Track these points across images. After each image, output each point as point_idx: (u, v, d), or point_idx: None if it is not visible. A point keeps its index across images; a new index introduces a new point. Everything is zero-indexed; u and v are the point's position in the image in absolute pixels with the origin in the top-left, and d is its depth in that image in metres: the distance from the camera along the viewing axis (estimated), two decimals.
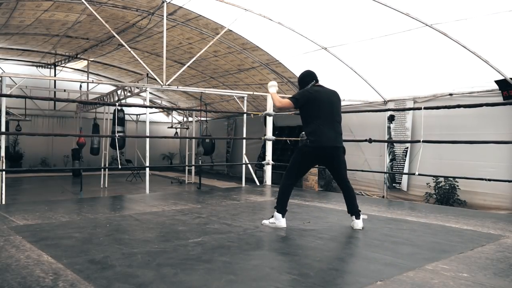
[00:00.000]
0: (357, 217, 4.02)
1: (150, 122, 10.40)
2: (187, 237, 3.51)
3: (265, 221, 4.12)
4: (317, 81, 4.24)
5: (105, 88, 14.29)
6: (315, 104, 4.01)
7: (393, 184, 9.49)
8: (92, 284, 2.32)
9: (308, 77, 4.25)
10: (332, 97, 4.17)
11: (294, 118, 12.45)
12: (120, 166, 6.91)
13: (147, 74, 8.83)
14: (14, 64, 14.74)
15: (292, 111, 12.33)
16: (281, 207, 4.05)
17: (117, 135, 7.82)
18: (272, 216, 4.08)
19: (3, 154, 6.05)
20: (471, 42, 6.96)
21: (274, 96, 4.18)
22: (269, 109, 8.31)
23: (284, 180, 4.17)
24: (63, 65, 14.59)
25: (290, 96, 4.12)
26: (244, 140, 9.16)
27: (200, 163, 13.57)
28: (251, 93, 9.74)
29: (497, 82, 7.27)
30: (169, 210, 4.90)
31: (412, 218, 4.67)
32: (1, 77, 6.48)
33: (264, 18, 8.50)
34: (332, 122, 4.02)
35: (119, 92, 10.46)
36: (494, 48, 6.94)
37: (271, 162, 8.30)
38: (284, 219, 4.04)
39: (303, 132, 11.05)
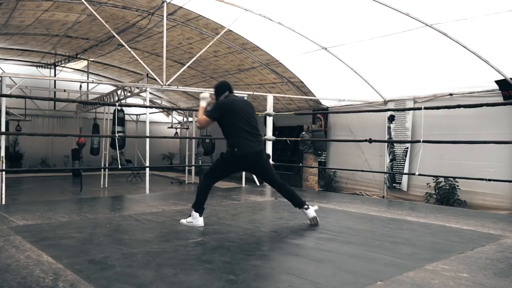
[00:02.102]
0: (307, 208, 4.09)
1: (150, 122, 10.40)
2: (187, 237, 3.51)
3: (183, 220, 4.10)
4: (230, 91, 4.25)
5: (105, 88, 14.29)
6: (232, 114, 4.03)
7: (393, 184, 9.49)
8: (92, 284, 2.32)
9: (222, 87, 4.26)
10: (247, 107, 4.20)
11: (294, 118, 12.46)
12: (120, 166, 6.91)
13: (147, 74, 8.83)
14: (14, 64, 14.74)
15: (292, 111, 12.34)
16: (199, 206, 4.05)
17: (117, 135, 7.83)
18: (190, 216, 4.06)
19: (3, 154, 6.04)
20: (471, 42, 6.96)
21: (200, 111, 4.21)
22: (269, 109, 8.30)
23: (204, 180, 4.21)
24: (63, 65, 14.59)
25: (206, 113, 4.14)
26: None
27: (200, 163, 13.57)
28: (251, 93, 9.73)
29: (497, 82, 7.27)
30: (169, 210, 4.90)
31: (412, 218, 4.67)
32: (1, 77, 6.47)
33: (264, 18, 8.50)
34: (251, 129, 4.04)
35: (119, 92, 10.46)
36: (494, 48, 6.93)
37: (271, 162, 8.28)
38: (202, 218, 4.04)
39: (303, 133, 11.00)
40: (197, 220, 4.02)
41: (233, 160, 4.04)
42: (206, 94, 4.35)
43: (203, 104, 4.27)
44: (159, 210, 4.93)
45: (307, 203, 4.15)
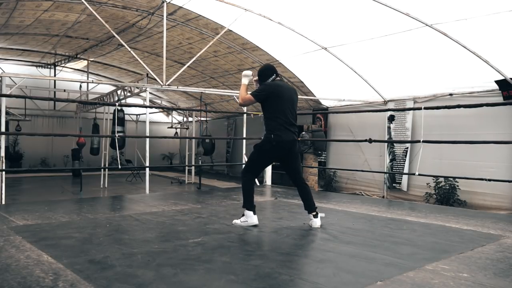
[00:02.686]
0: (315, 216, 4.06)
1: (150, 122, 10.40)
2: (187, 237, 3.51)
3: (236, 221, 4.09)
4: (277, 75, 4.19)
5: (105, 88, 14.28)
6: (277, 98, 4.00)
7: (393, 184, 9.49)
8: (92, 284, 2.32)
9: (269, 70, 4.19)
10: (292, 94, 4.16)
11: None
12: (120, 166, 6.90)
13: (147, 74, 8.82)
14: (14, 64, 14.74)
15: None
16: (250, 204, 4.05)
17: (117, 135, 7.82)
18: (243, 215, 4.07)
19: (3, 154, 6.04)
20: (471, 42, 6.96)
21: (242, 89, 4.16)
22: None
23: (243, 177, 4.17)
24: (63, 65, 14.59)
25: (253, 92, 4.09)
26: (244, 140, 9.15)
27: (200, 163, 13.57)
28: None
29: (497, 82, 7.27)
30: (169, 210, 4.90)
31: (412, 218, 4.67)
32: (1, 77, 6.47)
33: (264, 18, 8.50)
34: (291, 118, 4.03)
35: (119, 92, 10.46)
36: (494, 48, 6.93)
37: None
38: (256, 215, 4.04)
39: (304, 133, 11.02)
40: (251, 218, 4.02)
41: (268, 147, 4.00)
42: (249, 72, 4.28)
43: (245, 81, 4.21)
44: (159, 210, 4.93)
45: (317, 210, 4.11)
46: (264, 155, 4.09)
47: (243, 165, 4.76)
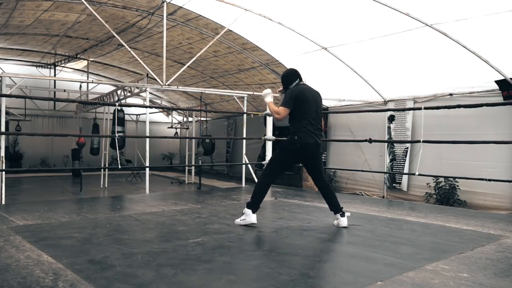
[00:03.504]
0: (342, 215, 4.09)
1: (150, 122, 10.40)
2: (187, 237, 3.51)
3: (237, 220, 4.12)
4: (301, 79, 4.25)
5: (105, 88, 14.28)
6: (304, 103, 4.05)
7: (393, 184, 9.49)
8: (92, 284, 2.32)
9: (293, 75, 4.26)
10: (317, 97, 4.21)
11: None
12: (120, 166, 6.90)
13: (147, 74, 8.83)
14: (14, 64, 14.74)
15: None
16: (255, 204, 4.06)
17: (117, 135, 7.81)
18: (243, 213, 4.08)
19: (3, 154, 6.04)
20: (471, 42, 6.96)
21: (272, 107, 4.19)
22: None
23: (263, 178, 4.19)
24: (63, 65, 14.59)
25: (283, 104, 4.11)
26: (244, 140, 9.15)
27: (200, 163, 13.57)
28: (251, 93, 9.73)
29: (497, 82, 7.27)
30: (169, 210, 4.90)
31: (412, 218, 4.67)
32: (1, 77, 6.47)
33: (264, 18, 8.50)
34: (316, 121, 4.08)
35: (119, 92, 10.46)
36: (494, 48, 6.93)
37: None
38: (255, 215, 4.05)
39: None
40: (250, 217, 4.03)
41: (291, 148, 4.04)
42: (268, 90, 4.42)
43: (269, 99, 4.35)
44: (159, 210, 4.93)
45: (344, 210, 4.13)
46: (288, 156, 4.13)
47: (264, 166, 4.83)
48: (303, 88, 4.17)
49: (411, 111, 9.06)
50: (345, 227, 4.03)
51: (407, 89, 9.02)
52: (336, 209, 4.12)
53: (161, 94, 17.32)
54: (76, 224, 3.99)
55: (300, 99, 4.04)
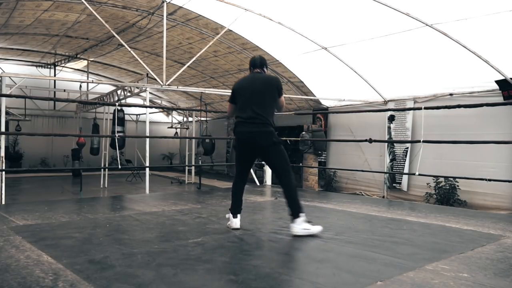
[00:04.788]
0: (295, 219, 3.60)
1: (150, 122, 10.40)
2: (187, 237, 3.50)
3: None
4: (254, 67, 3.91)
5: (105, 88, 14.28)
6: (239, 94, 3.82)
7: (393, 184, 9.49)
8: (92, 284, 2.32)
9: (250, 64, 3.94)
10: (257, 83, 3.79)
11: (294, 118, 12.45)
12: (120, 166, 6.90)
13: (147, 74, 8.83)
14: (14, 64, 14.74)
15: (292, 111, 12.33)
16: (231, 207, 3.90)
17: (117, 135, 7.82)
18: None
19: (3, 154, 6.04)
20: (471, 42, 6.96)
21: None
22: None
23: (233, 179, 4.07)
24: (63, 65, 14.59)
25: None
26: None
27: (200, 163, 13.56)
28: None
29: (497, 82, 7.27)
30: (169, 210, 4.90)
31: (412, 218, 4.67)
32: (1, 77, 6.47)
33: (264, 18, 8.50)
34: (250, 109, 3.67)
35: (119, 92, 10.46)
36: (494, 48, 6.93)
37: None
38: (237, 219, 3.85)
39: (304, 133, 11.01)
40: (231, 221, 3.86)
41: (234, 144, 3.87)
42: None
43: None
44: (159, 210, 4.93)
45: (304, 218, 3.60)
46: (236, 151, 3.91)
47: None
48: (245, 78, 3.95)
49: (411, 111, 9.06)
50: (297, 235, 3.53)
51: (407, 89, 9.02)
52: (292, 213, 3.62)
53: (161, 94, 17.32)
54: (76, 224, 3.99)
55: (236, 91, 3.85)
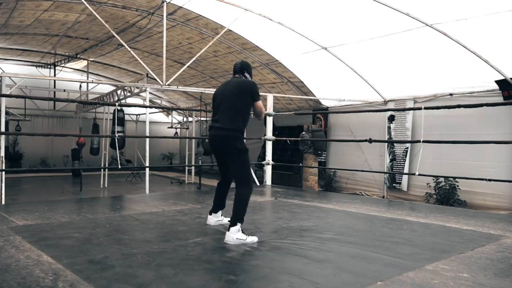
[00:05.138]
0: (231, 226, 3.44)
1: (150, 122, 10.41)
2: (187, 237, 3.50)
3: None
4: (235, 73, 3.92)
5: (105, 88, 14.29)
6: (213, 99, 3.90)
7: (393, 184, 9.49)
8: (92, 284, 2.32)
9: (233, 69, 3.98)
10: (228, 87, 3.81)
11: (294, 118, 12.46)
12: (120, 166, 6.90)
13: (147, 74, 8.83)
14: (14, 64, 14.74)
15: (292, 111, 12.34)
16: (213, 205, 4.10)
17: (117, 135, 7.82)
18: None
19: (3, 154, 6.04)
20: (471, 42, 6.96)
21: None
22: (269, 109, 8.30)
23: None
24: (62, 65, 14.59)
25: None
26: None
27: (200, 163, 13.56)
28: None
29: (497, 82, 7.27)
30: (169, 210, 4.90)
31: (412, 218, 4.66)
32: (1, 77, 6.47)
33: (264, 18, 8.50)
34: (221, 112, 3.72)
35: (119, 92, 10.45)
36: (494, 48, 6.93)
37: (271, 162, 8.29)
38: (210, 216, 4.04)
39: (303, 133, 11.01)
40: (208, 219, 4.04)
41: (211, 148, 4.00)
42: None
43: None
44: (159, 210, 4.93)
45: (240, 228, 3.44)
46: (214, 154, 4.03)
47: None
48: (224, 83, 3.99)
49: (411, 111, 9.06)
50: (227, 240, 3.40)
51: (407, 89, 9.02)
52: (231, 219, 3.48)
53: (161, 94, 17.32)
54: (76, 224, 3.99)
55: (213, 97, 3.92)
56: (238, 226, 3.44)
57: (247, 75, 3.91)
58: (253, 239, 3.45)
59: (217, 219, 4.06)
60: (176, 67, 11.83)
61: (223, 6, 8.26)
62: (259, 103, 3.77)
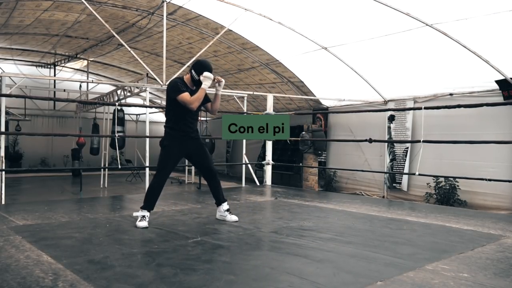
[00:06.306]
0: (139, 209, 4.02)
1: (150, 122, 10.40)
2: (187, 237, 3.50)
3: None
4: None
5: (105, 88, 14.29)
6: None
7: (393, 184, 9.49)
8: (91, 284, 2.32)
9: None
10: None
11: (294, 118, 12.44)
12: (120, 166, 6.90)
13: (147, 74, 8.83)
14: (14, 64, 14.74)
15: (292, 111, 12.33)
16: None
17: (117, 135, 7.82)
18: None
19: (3, 154, 6.04)
20: (472, 42, 6.96)
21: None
22: (269, 109, 8.30)
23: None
24: (62, 65, 14.60)
25: None
26: (244, 140, 9.15)
27: None
28: (251, 93, 9.74)
29: (497, 82, 7.27)
30: (169, 210, 4.90)
31: (412, 218, 4.66)
32: (1, 77, 6.47)
33: (264, 18, 8.50)
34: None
35: (119, 92, 10.46)
36: (494, 48, 6.93)
37: (271, 162, 8.30)
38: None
39: (303, 133, 11.04)
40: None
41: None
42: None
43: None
44: (159, 210, 4.93)
45: (142, 213, 3.98)
46: None
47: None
48: None
49: (411, 111, 9.06)
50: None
51: (407, 89, 9.02)
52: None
53: (161, 94, 17.30)
54: (76, 224, 3.99)
55: None
56: (140, 212, 3.98)
57: (193, 72, 4.02)
58: (143, 224, 3.85)
59: (220, 213, 4.31)
60: (176, 67, 11.83)
61: (223, 6, 8.26)
62: (180, 96, 3.90)
